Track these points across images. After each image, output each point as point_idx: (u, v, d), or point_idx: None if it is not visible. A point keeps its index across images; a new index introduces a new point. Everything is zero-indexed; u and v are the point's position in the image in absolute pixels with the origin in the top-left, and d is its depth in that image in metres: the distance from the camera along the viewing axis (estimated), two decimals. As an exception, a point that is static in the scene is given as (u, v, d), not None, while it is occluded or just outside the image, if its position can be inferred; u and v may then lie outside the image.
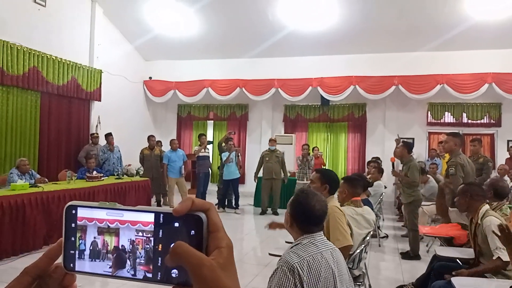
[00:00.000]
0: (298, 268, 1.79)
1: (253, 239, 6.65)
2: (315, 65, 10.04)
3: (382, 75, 9.43)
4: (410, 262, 5.29)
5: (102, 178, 7.00)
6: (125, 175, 8.16)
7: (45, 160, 7.90)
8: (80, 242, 0.45)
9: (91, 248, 0.45)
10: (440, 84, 9.08)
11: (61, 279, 0.45)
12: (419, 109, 10.12)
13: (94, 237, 0.45)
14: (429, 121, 10.12)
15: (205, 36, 9.97)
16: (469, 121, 9.86)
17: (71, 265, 0.45)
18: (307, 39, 9.49)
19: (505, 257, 2.70)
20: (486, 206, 3.10)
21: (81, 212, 0.46)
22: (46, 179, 6.34)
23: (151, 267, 0.43)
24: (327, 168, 10.67)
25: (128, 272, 0.44)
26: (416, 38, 9.01)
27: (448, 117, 10.02)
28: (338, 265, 1.97)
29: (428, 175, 7.16)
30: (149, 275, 0.43)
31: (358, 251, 3.01)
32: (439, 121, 10.04)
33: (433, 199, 6.21)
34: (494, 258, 2.83)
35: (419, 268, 4.99)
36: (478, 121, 9.81)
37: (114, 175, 7.85)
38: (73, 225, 0.45)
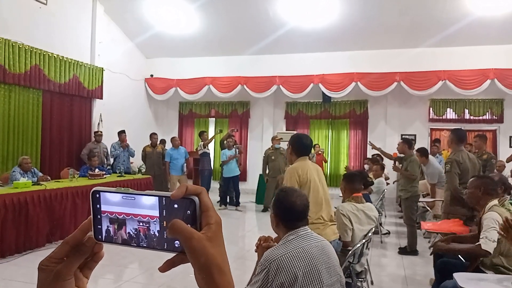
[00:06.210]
0: (272, 265, 1.85)
1: (255, 236, 6.65)
2: (317, 62, 10.02)
3: (383, 72, 9.41)
4: (412, 259, 5.29)
5: (104, 176, 7.01)
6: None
7: (47, 158, 7.93)
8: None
9: (105, 234, 0.55)
10: (442, 80, 9.05)
11: (92, 247, 0.56)
12: (421, 106, 10.10)
13: (107, 226, 0.55)
14: (431, 117, 10.11)
15: (206, 33, 9.96)
16: (471, 117, 9.84)
17: (99, 236, 0.55)
18: (308, 35, 9.47)
19: (486, 246, 2.74)
20: (494, 201, 3.03)
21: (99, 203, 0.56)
22: (48, 177, 6.35)
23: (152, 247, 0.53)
24: (328, 163, 10.71)
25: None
26: (418, 34, 8.98)
27: (450, 114, 10.01)
28: (327, 256, 1.99)
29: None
30: (158, 246, 0.53)
31: (358, 245, 3.01)
32: (441, 118, 10.03)
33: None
34: (476, 243, 2.83)
35: (421, 264, 5.00)
36: (480, 117, 9.80)
37: (116, 173, 7.86)
38: (98, 206, 0.55)
